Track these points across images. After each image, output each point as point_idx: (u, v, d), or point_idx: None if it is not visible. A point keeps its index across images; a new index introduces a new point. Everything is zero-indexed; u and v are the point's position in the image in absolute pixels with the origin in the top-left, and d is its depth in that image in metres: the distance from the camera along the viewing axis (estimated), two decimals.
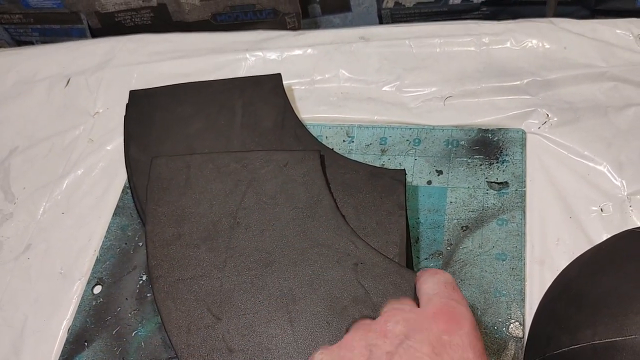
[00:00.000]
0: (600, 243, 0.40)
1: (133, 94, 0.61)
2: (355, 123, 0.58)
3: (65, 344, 0.50)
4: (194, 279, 0.46)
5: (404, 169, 0.50)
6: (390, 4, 0.75)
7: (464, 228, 0.50)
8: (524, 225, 0.49)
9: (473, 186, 0.52)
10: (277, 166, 0.50)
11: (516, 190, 0.51)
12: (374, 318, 0.36)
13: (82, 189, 0.60)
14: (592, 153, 0.52)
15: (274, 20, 0.77)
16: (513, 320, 0.45)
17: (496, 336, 0.44)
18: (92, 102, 0.67)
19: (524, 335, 0.44)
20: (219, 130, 0.56)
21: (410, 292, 0.40)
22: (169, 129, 0.57)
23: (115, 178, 0.59)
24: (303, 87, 0.62)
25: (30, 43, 0.86)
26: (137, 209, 0.55)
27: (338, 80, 0.62)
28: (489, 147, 0.54)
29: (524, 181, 0.51)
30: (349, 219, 0.48)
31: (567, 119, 0.54)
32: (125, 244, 0.54)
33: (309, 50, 0.64)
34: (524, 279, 0.46)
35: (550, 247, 0.48)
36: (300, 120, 0.56)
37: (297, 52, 0.64)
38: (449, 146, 0.55)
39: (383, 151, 0.56)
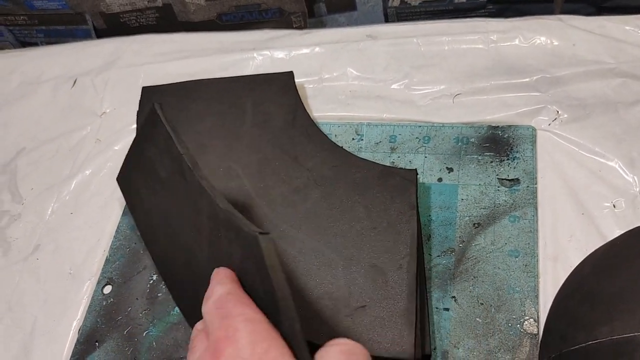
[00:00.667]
0: (614, 239, 0.40)
1: (145, 90, 0.61)
2: (364, 121, 0.58)
3: (76, 345, 0.50)
4: None
5: (415, 169, 0.49)
6: (396, 3, 0.75)
7: (476, 225, 0.49)
8: (536, 221, 0.49)
9: (484, 183, 0.52)
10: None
11: (527, 187, 0.51)
12: None
13: (90, 189, 0.59)
14: (603, 149, 0.52)
15: (280, 20, 0.77)
16: (527, 317, 0.44)
17: (511, 333, 0.44)
18: (98, 102, 0.66)
19: (538, 332, 0.44)
20: (229, 128, 0.56)
21: None
22: (180, 125, 0.57)
23: None
24: (311, 86, 0.62)
25: (35, 44, 0.86)
26: None
27: (346, 79, 0.62)
28: (499, 144, 0.54)
29: (535, 178, 0.51)
30: (359, 218, 0.47)
31: (577, 116, 0.54)
32: (135, 243, 0.54)
33: (317, 49, 0.64)
34: (537, 275, 0.46)
35: (563, 243, 0.48)
36: (312, 119, 0.56)
37: (305, 50, 0.64)
38: (459, 143, 0.54)
39: (393, 149, 0.55)
